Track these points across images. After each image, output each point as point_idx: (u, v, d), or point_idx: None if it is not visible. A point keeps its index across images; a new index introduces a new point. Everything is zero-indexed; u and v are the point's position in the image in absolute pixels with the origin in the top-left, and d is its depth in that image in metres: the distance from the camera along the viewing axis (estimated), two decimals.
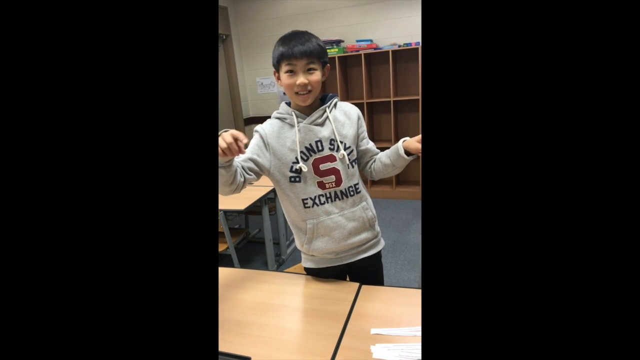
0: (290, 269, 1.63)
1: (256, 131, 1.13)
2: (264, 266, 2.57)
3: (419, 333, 0.91)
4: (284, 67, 1.02)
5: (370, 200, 1.19)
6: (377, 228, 1.22)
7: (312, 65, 1.01)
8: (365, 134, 1.18)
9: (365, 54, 3.49)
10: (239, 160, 1.05)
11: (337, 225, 1.11)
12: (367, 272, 1.21)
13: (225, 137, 0.85)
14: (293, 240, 2.88)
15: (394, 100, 3.54)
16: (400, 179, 3.90)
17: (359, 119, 1.15)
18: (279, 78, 1.08)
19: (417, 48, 3.38)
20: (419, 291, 1.10)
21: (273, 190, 2.34)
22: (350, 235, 1.13)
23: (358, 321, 0.98)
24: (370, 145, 1.20)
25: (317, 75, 1.02)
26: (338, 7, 3.71)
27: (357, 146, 1.15)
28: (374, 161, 1.20)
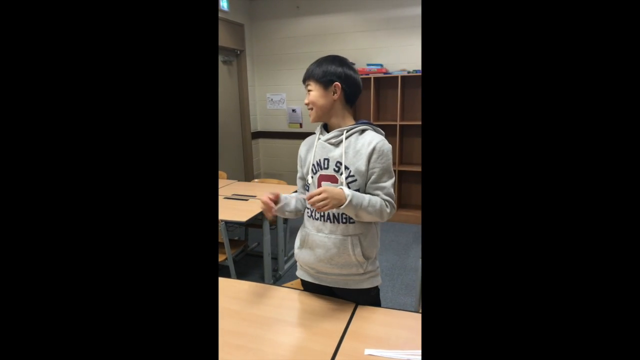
0: (288, 285, 1.63)
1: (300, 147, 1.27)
2: (260, 280, 2.56)
3: (414, 357, 0.91)
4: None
5: (371, 238, 1.13)
6: (368, 268, 1.14)
7: (309, 87, 1.14)
8: (377, 171, 1.08)
9: (375, 78, 3.56)
10: (299, 182, 1.25)
11: (322, 245, 1.13)
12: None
13: (261, 200, 1.10)
14: (291, 256, 2.87)
15: (400, 124, 3.59)
16: (402, 203, 3.91)
17: (372, 153, 1.07)
18: None
19: None
20: (416, 315, 1.10)
21: None
22: (331, 261, 1.12)
23: (352, 341, 0.98)
24: (370, 183, 1.09)
25: (312, 95, 1.13)
26: (351, 30, 3.81)
27: (367, 182, 1.10)
28: None
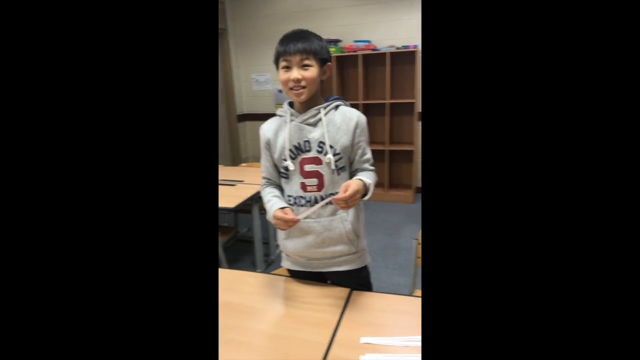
0: (279, 271, 1.59)
1: (260, 131, 1.16)
2: (252, 266, 2.52)
3: (411, 343, 0.88)
4: (281, 64, 1.03)
5: (355, 213, 1.10)
6: (361, 245, 1.14)
7: (307, 62, 1.01)
8: (362, 145, 1.08)
9: (362, 55, 3.46)
10: (266, 185, 1.16)
11: (311, 231, 1.09)
12: (346, 287, 1.14)
13: (280, 221, 1.02)
14: None
15: (389, 103, 3.52)
16: (393, 182, 3.88)
17: (356, 127, 1.06)
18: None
19: (415, 51, 3.36)
20: (412, 299, 1.07)
21: None
22: (323, 244, 1.09)
23: (347, 329, 0.94)
24: (359, 157, 1.09)
25: (311, 72, 1.01)
26: (337, 6, 3.67)
27: (350, 155, 1.09)
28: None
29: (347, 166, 1.09)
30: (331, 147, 1.04)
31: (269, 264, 2.59)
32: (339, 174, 1.06)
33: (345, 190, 0.94)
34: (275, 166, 1.13)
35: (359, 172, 1.09)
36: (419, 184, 3.87)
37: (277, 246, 2.74)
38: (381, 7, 3.54)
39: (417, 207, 3.60)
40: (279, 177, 1.14)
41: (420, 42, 3.45)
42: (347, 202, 0.94)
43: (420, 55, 3.43)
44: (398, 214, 3.40)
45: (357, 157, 1.09)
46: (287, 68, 1.02)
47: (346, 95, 3.84)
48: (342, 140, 1.05)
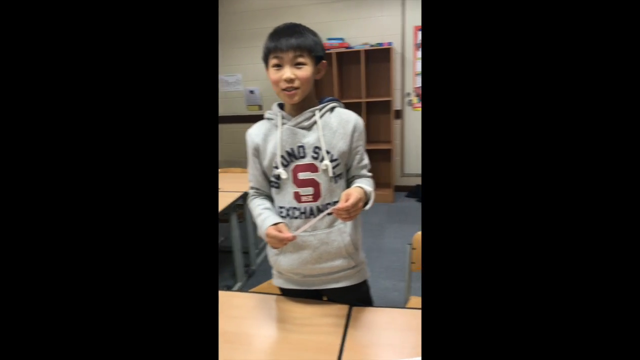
0: (265, 285, 1.47)
1: (248, 136, 1.03)
2: (232, 278, 2.38)
3: None
4: (272, 61, 0.91)
5: (354, 224, 1.01)
6: (360, 257, 1.05)
7: (300, 59, 0.90)
8: (360, 150, 0.99)
9: (336, 53, 3.38)
10: (255, 197, 1.04)
11: (307, 246, 0.98)
12: (345, 304, 1.03)
13: (274, 239, 0.90)
14: (263, 248, 2.70)
15: (365, 102, 3.46)
16: None
17: (354, 131, 0.97)
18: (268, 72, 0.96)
19: (389, 48, 3.32)
20: (415, 312, 0.99)
21: (242, 197, 2.15)
22: (320, 260, 0.99)
23: (353, 352, 0.84)
24: (356, 163, 0.99)
25: (306, 71, 0.90)
26: (309, 3, 3.57)
27: (348, 161, 0.99)
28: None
29: (345, 173, 0.99)
30: (328, 152, 0.94)
31: (250, 275, 2.46)
32: (336, 181, 0.96)
33: (347, 200, 0.84)
34: (265, 175, 1.01)
35: (356, 179, 0.99)
36: (398, 183, 3.84)
37: (258, 255, 2.62)
38: (354, 4, 3.47)
39: (398, 206, 3.57)
40: (269, 186, 1.02)
41: (395, 39, 3.42)
42: (349, 213, 0.84)
43: (394, 52, 3.40)
44: (379, 214, 3.35)
45: (354, 163, 0.99)
46: (279, 66, 0.90)
47: (320, 95, 3.75)
48: (340, 145, 0.95)
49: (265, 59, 0.93)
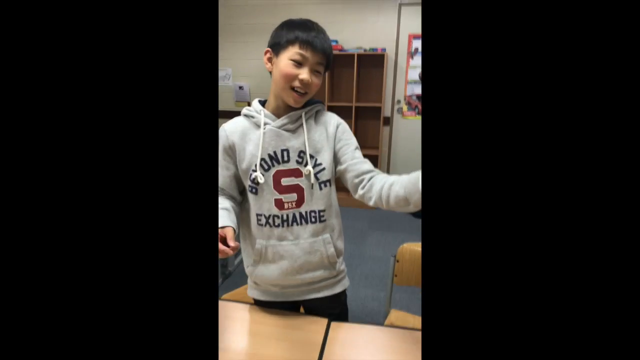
0: (240, 290, 1.41)
1: (221, 131, 0.93)
2: None
3: None
4: (292, 53, 0.82)
5: (338, 234, 0.97)
6: (341, 266, 1.00)
7: (319, 67, 0.86)
8: (350, 147, 0.92)
9: None
10: (223, 195, 0.95)
11: (288, 255, 0.92)
12: (325, 314, 0.98)
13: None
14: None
15: (355, 106, 3.43)
16: None
17: (336, 130, 0.92)
18: (270, 61, 0.88)
19: (383, 54, 3.30)
20: (397, 331, 0.94)
21: None
22: (301, 270, 0.93)
23: None
24: (357, 160, 0.90)
25: (319, 79, 0.87)
26: (303, 2, 3.52)
27: (338, 163, 0.92)
28: (370, 181, 0.87)
29: (332, 181, 0.94)
30: (311, 156, 0.89)
31: (227, 276, 2.38)
32: (320, 188, 0.91)
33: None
34: (236, 177, 0.93)
35: (370, 177, 0.88)
36: None
37: (236, 256, 2.54)
38: (349, 7, 3.44)
39: (381, 212, 3.54)
40: (236, 188, 0.94)
41: (389, 45, 3.40)
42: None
43: (388, 58, 3.38)
44: (362, 220, 3.32)
45: (349, 162, 0.90)
46: (298, 64, 0.83)
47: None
48: (324, 149, 0.90)
49: (280, 48, 0.84)
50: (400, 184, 0.79)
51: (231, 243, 0.77)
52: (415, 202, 0.75)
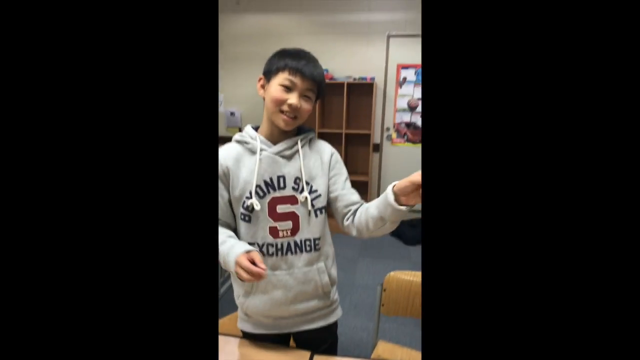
0: (224, 320, 1.35)
1: None
2: None
3: None
4: (282, 79, 0.84)
5: (332, 261, 0.96)
6: (334, 296, 0.98)
7: (309, 93, 0.87)
8: (342, 177, 0.93)
9: None
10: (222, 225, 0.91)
11: (282, 285, 0.89)
12: (316, 345, 0.95)
13: (242, 269, 0.74)
14: (229, 277, 2.55)
15: (345, 133, 3.47)
16: None
17: (330, 158, 0.93)
18: (263, 87, 0.90)
19: (372, 83, 3.37)
20: None
21: None
22: (295, 301, 0.91)
23: None
24: (347, 191, 0.92)
25: (309, 105, 0.87)
26: (296, 32, 3.62)
27: (330, 191, 0.93)
28: (355, 213, 0.89)
29: (326, 208, 0.94)
30: (307, 182, 0.88)
31: None
32: (316, 215, 0.90)
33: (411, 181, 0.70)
34: (230, 203, 0.90)
35: (355, 209, 0.89)
36: None
37: (222, 284, 2.46)
38: (339, 38, 3.54)
39: (372, 239, 3.52)
40: (231, 216, 0.91)
41: (378, 74, 3.49)
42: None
43: (377, 87, 3.45)
44: (352, 248, 3.28)
45: (339, 191, 0.91)
46: (288, 89, 0.84)
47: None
48: (319, 175, 0.90)
49: (271, 74, 0.86)
50: (373, 206, 0.81)
51: (262, 265, 0.73)
52: (390, 216, 0.76)
